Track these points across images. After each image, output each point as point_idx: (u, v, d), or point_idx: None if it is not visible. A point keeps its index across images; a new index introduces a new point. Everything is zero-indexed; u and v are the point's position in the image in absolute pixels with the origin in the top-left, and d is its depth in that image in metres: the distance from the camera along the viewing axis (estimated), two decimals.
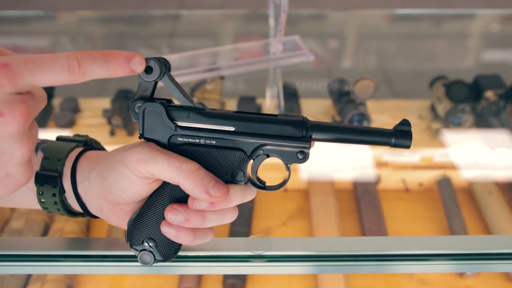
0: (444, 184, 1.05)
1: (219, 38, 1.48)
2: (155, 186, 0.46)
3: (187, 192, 0.44)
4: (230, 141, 0.45)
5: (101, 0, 2.67)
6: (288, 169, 0.47)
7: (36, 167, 0.49)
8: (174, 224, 0.45)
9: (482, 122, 1.07)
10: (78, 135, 0.53)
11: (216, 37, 1.48)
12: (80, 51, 0.37)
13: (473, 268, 0.74)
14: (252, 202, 1.02)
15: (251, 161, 0.47)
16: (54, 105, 1.15)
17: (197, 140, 0.45)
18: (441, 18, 1.67)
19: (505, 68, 1.44)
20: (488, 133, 1.07)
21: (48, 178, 0.48)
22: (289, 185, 1.07)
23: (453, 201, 1.01)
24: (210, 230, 0.49)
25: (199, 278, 0.89)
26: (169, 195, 0.46)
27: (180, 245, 0.49)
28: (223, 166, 0.46)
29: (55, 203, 0.49)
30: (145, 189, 0.46)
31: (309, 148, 0.45)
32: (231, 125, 0.45)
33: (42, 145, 0.51)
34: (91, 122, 1.14)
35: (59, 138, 0.52)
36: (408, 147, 0.45)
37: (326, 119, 1.10)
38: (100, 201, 0.48)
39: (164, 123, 0.44)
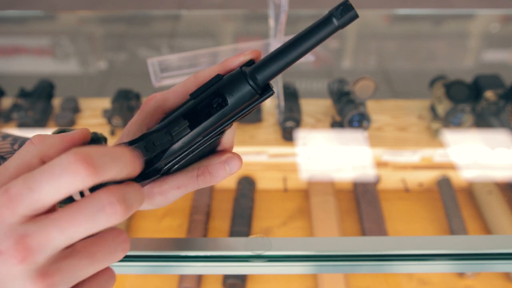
0: (444, 184, 1.05)
1: (219, 38, 1.48)
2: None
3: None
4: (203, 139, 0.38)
5: (101, 0, 2.67)
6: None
7: None
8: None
9: (482, 122, 1.07)
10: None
11: (216, 37, 1.48)
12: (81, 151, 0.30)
13: (473, 268, 0.74)
14: (252, 202, 1.02)
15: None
16: (54, 105, 1.15)
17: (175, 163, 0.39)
18: (441, 18, 1.67)
19: (505, 68, 1.44)
20: (488, 133, 1.07)
21: None
22: (289, 185, 1.07)
23: (453, 201, 1.01)
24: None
25: (199, 278, 0.89)
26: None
27: None
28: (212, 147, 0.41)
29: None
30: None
31: (259, 98, 0.37)
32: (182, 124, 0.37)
33: None
34: (91, 122, 1.14)
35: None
36: (355, 16, 0.36)
37: (326, 119, 1.10)
38: None
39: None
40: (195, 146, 0.37)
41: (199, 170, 0.40)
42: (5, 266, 0.28)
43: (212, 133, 0.38)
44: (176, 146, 0.37)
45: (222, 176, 0.40)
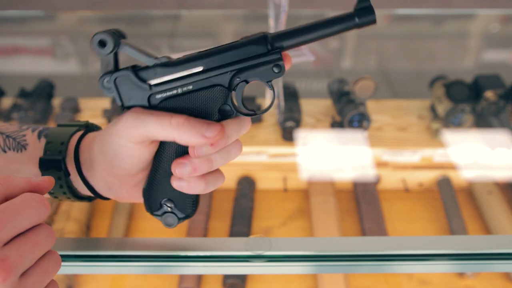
0: (444, 184, 1.05)
1: (219, 38, 1.48)
2: (153, 148, 0.46)
3: (184, 143, 0.44)
4: (205, 81, 0.45)
5: (101, 0, 2.67)
6: (271, 87, 0.46)
7: (40, 152, 0.50)
8: (184, 177, 0.46)
9: (482, 122, 1.07)
10: (78, 121, 0.54)
11: (216, 37, 1.48)
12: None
13: (473, 268, 0.74)
14: (252, 202, 1.02)
15: (233, 93, 0.47)
16: (54, 105, 1.15)
17: (174, 91, 0.45)
18: (441, 18, 1.67)
19: (505, 68, 1.44)
20: (488, 133, 1.07)
21: (52, 162, 0.49)
22: (289, 185, 1.07)
23: (453, 201, 1.01)
24: (219, 174, 0.48)
25: (199, 278, 0.89)
26: (170, 152, 0.47)
27: (196, 197, 0.49)
28: (209, 107, 0.46)
29: (61, 186, 0.50)
30: (145, 154, 0.46)
31: (281, 59, 0.45)
32: (198, 65, 0.45)
33: (45, 132, 0.52)
34: (91, 122, 1.14)
35: (60, 125, 0.54)
36: (374, 21, 0.44)
37: (326, 119, 1.10)
38: (107, 179, 0.48)
39: (137, 86, 0.45)
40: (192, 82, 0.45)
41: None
42: None
43: (214, 75, 0.45)
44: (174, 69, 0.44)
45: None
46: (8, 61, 1.53)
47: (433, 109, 1.11)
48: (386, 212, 0.99)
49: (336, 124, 1.05)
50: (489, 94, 1.06)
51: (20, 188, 0.38)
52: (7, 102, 1.16)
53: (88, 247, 0.58)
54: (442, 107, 1.06)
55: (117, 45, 0.44)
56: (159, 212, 0.49)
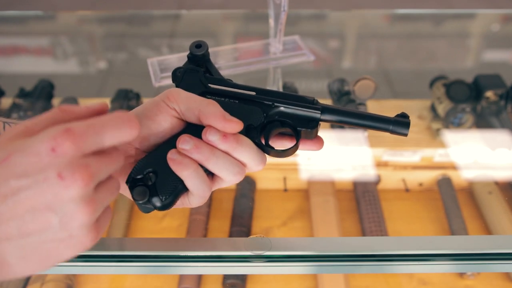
0: (444, 184, 1.05)
1: (219, 38, 1.48)
2: (174, 127, 0.48)
3: (205, 119, 0.47)
4: (251, 101, 0.52)
5: (101, 0, 2.67)
6: (298, 135, 0.52)
7: None
8: (183, 151, 0.46)
9: (482, 122, 1.07)
10: None
11: (216, 37, 1.48)
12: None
13: (473, 268, 0.74)
14: (252, 202, 1.02)
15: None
16: (54, 105, 1.15)
17: (222, 98, 0.51)
18: (441, 18, 1.67)
19: (505, 68, 1.44)
20: (488, 133, 1.07)
21: None
22: (289, 185, 1.07)
23: (453, 201, 1.01)
24: (209, 181, 0.48)
25: (199, 278, 0.89)
26: (186, 133, 0.49)
27: (179, 190, 0.47)
28: (241, 117, 0.49)
29: None
30: (166, 123, 0.48)
31: (319, 115, 0.51)
32: (253, 91, 0.52)
33: None
34: None
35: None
36: (405, 135, 0.50)
37: None
38: None
39: (199, 83, 0.52)
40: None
41: None
42: (64, 190, 0.35)
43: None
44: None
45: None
46: (7, 61, 1.52)
47: (433, 109, 1.11)
48: (386, 212, 0.99)
49: (336, 124, 1.05)
50: (489, 94, 1.06)
51: (82, 116, 0.40)
52: (6, 102, 1.16)
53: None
54: (442, 107, 1.06)
55: (207, 52, 0.53)
56: (138, 177, 0.47)
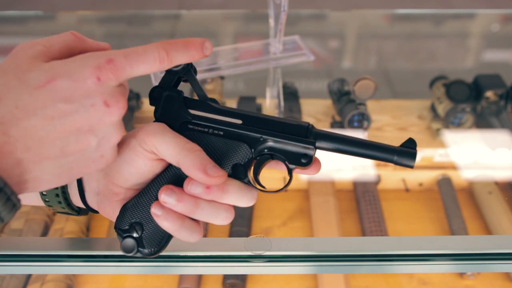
0: (444, 184, 1.05)
1: (219, 38, 1.48)
2: (157, 167, 0.46)
3: (185, 170, 0.44)
4: (237, 134, 0.47)
5: (101, 0, 2.67)
6: (290, 173, 0.48)
7: None
8: (166, 206, 0.45)
9: (482, 122, 1.07)
10: None
11: (216, 37, 1.48)
12: (164, 41, 0.43)
13: (473, 268, 0.74)
14: None
15: (253, 163, 0.48)
16: None
17: (206, 129, 0.47)
18: (441, 18, 1.67)
19: (505, 68, 1.44)
20: (488, 133, 1.07)
21: None
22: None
23: (453, 201, 1.01)
24: (198, 226, 0.46)
25: (199, 278, 0.89)
26: (167, 179, 0.46)
27: (167, 238, 0.47)
28: (226, 156, 0.46)
29: (57, 195, 0.49)
30: (146, 167, 0.46)
31: (313, 151, 0.48)
32: (239, 118, 0.47)
33: None
34: None
35: None
36: (411, 167, 0.46)
37: (326, 119, 1.09)
38: (100, 181, 0.47)
39: (179, 109, 0.47)
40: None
41: None
42: (108, 116, 0.39)
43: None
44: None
45: None
46: None
47: (433, 109, 1.11)
48: (386, 212, 0.99)
49: (336, 124, 1.05)
50: (489, 94, 1.06)
51: (90, 48, 0.43)
52: None
53: (88, 247, 0.58)
54: (442, 107, 1.06)
55: (186, 67, 0.47)
56: (124, 228, 0.46)
